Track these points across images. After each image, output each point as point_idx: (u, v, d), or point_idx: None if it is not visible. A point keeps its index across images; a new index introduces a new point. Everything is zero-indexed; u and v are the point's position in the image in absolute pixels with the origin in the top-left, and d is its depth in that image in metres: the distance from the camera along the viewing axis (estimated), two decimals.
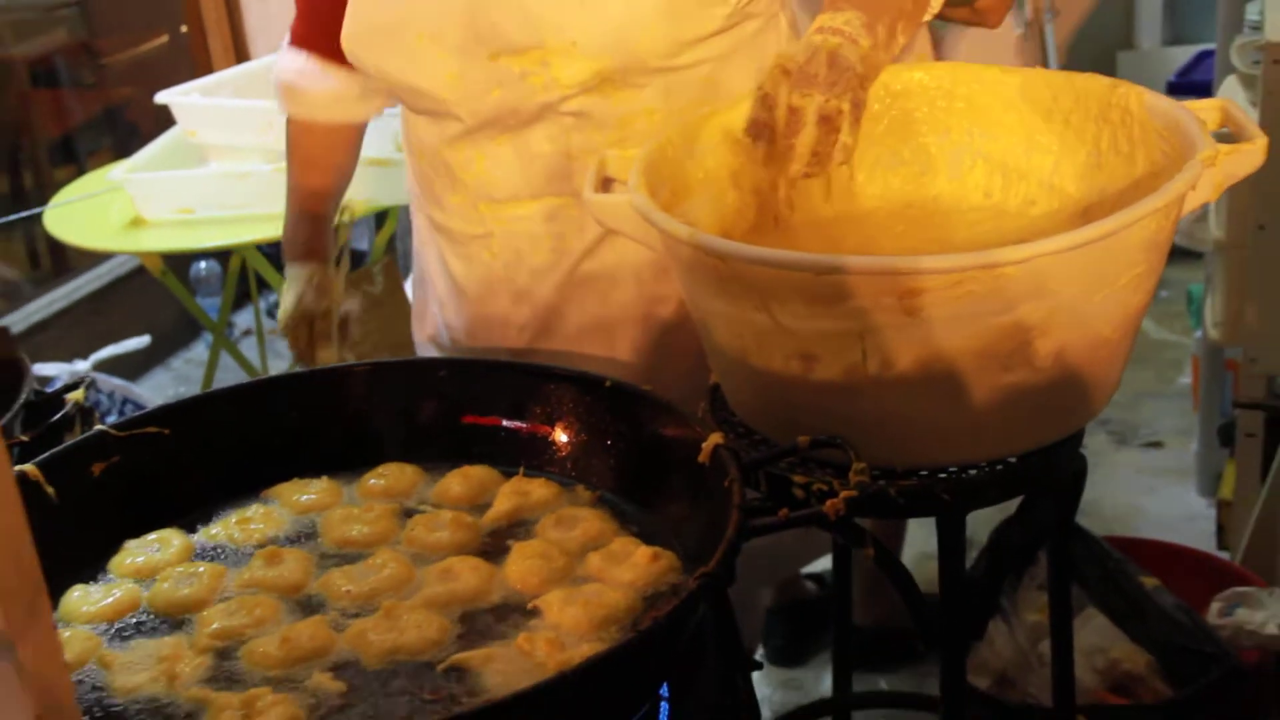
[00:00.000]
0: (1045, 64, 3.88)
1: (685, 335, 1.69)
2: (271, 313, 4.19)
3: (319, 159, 1.87)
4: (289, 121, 1.87)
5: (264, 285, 3.55)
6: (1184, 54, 4.37)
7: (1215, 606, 2.23)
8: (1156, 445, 3.32)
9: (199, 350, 4.21)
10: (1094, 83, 1.52)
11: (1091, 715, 2.07)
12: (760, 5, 1.66)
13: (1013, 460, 1.36)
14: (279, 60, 1.84)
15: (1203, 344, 3.08)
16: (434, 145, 1.72)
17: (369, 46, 1.65)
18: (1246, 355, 2.57)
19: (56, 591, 1.24)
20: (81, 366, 3.05)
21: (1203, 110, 1.42)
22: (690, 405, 1.37)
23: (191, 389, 3.92)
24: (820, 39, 1.35)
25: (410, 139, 1.80)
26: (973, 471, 1.35)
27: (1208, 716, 2.11)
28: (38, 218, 3.20)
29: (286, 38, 1.84)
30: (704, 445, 1.22)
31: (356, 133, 1.90)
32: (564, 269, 1.70)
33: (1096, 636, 2.18)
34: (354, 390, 1.44)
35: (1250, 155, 1.35)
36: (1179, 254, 2.17)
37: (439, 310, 1.83)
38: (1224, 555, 2.60)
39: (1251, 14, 3.01)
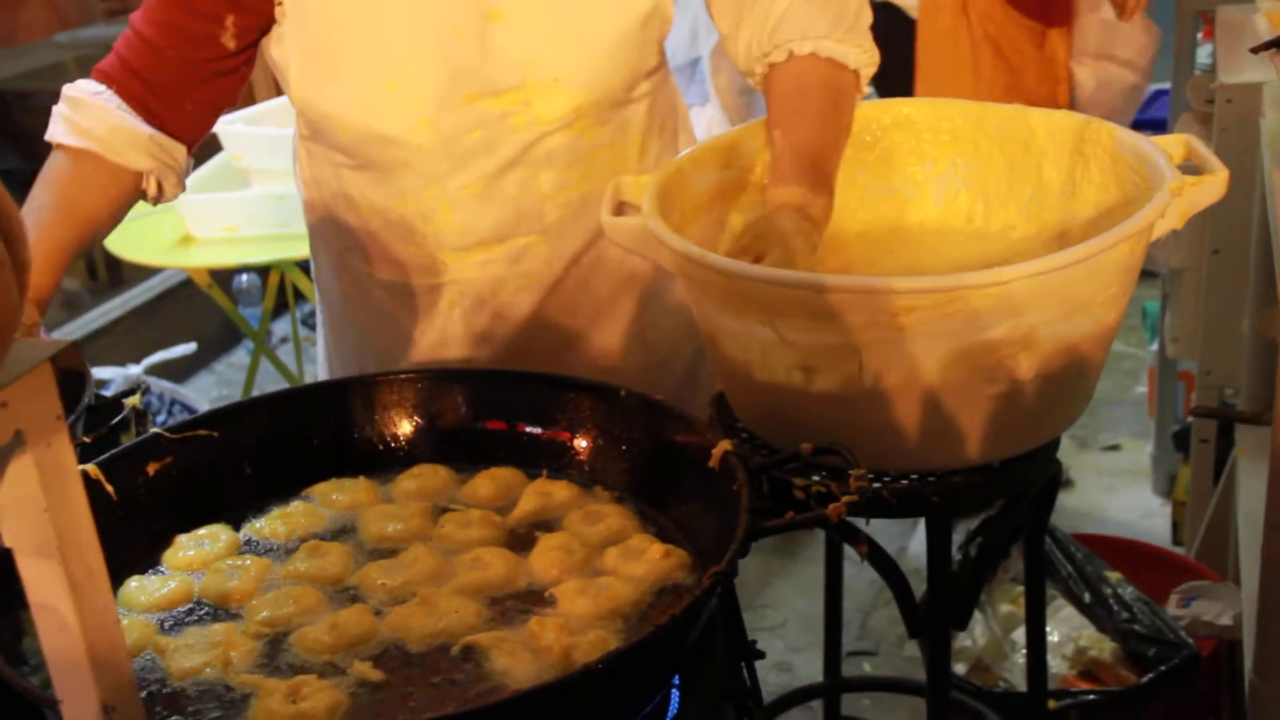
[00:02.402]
0: None
1: (655, 347, 1.68)
2: (307, 321, 4.19)
3: (75, 199, 1.48)
4: (57, 150, 1.51)
5: (300, 296, 3.55)
6: None
7: (1173, 599, 2.23)
8: (1115, 449, 3.32)
9: (240, 356, 4.21)
10: (1069, 119, 1.51)
11: (1061, 699, 2.06)
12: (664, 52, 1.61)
13: (996, 465, 1.35)
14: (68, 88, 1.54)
15: (1158, 356, 3.08)
16: (379, 203, 1.57)
17: (328, 97, 1.50)
18: (1201, 368, 2.57)
19: (114, 583, 1.22)
20: (134, 370, 3.05)
21: (1168, 145, 1.42)
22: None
23: (233, 391, 3.92)
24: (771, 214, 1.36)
25: (336, 200, 1.62)
26: (958, 476, 1.34)
27: (1168, 701, 2.11)
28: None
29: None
30: (714, 451, 1.20)
31: (130, 189, 1.53)
32: (528, 306, 1.61)
33: (1065, 626, 2.18)
34: (387, 397, 1.42)
35: (1213, 186, 1.34)
36: None
37: (376, 359, 1.69)
38: (1179, 550, 2.60)
39: (1202, 57, 3.02)
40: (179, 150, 1.54)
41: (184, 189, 1.58)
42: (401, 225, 1.57)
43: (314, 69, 1.50)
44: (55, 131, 1.50)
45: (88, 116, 1.49)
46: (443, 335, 1.62)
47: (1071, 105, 2.75)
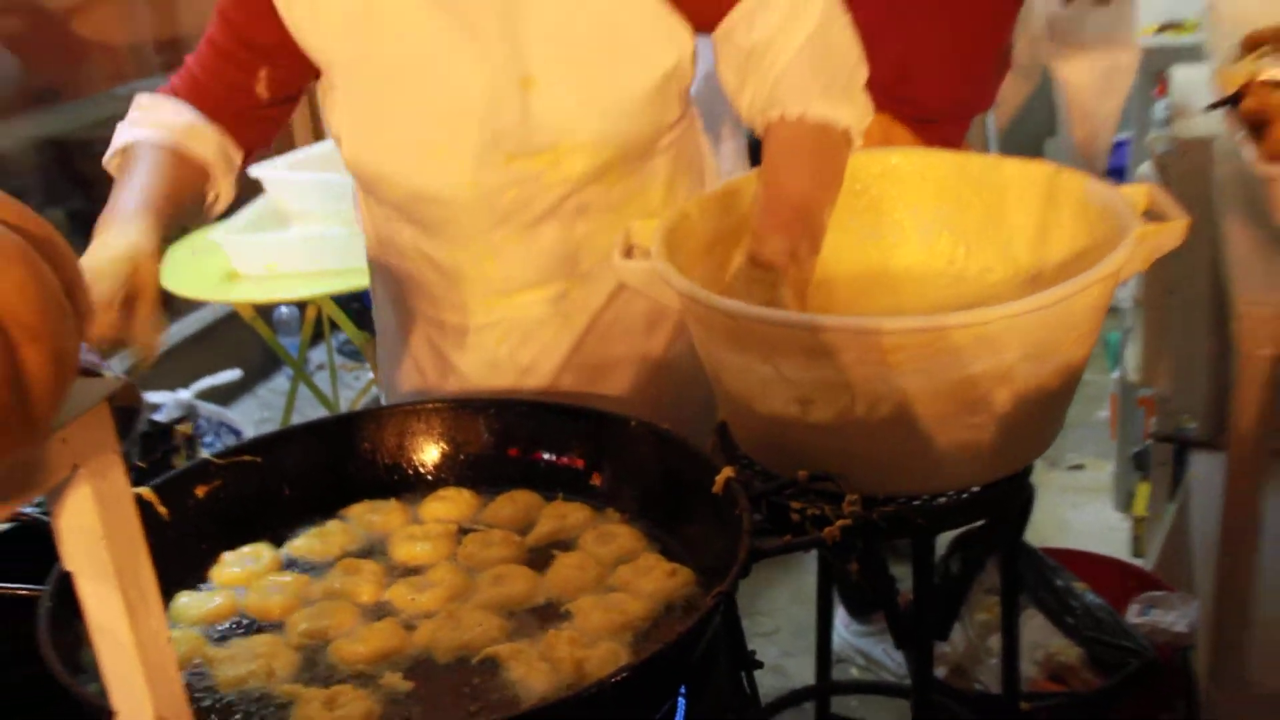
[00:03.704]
0: (987, 147, 3.87)
1: (679, 376, 1.65)
2: (341, 349, 4.19)
3: (167, 178, 1.41)
4: (130, 149, 1.45)
5: (335, 327, 3.54)
6: None
7: (1133, 608, 2.22)
8: (1079, 468, 3.30)
9: (280, 382, 4.20)
10: (1042, 169, 1.50)
11: (1032, 701, 2.04)
12: (689, 101, 1.60)
13: (976, 490, 1.34)
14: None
15: (1120, 383, 3.07)
16: (430, 253, 1.57)
17: (378, 160, 1.51)
18: (1160, 396, 2.56)
19: (166, 597, 1.21)
20: (185, 395, 3.03)
21: (1133, 194, 1.41)
22: (692, 437, 1.33)
23: (274, 414, 3.90)
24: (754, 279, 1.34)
25: (391, 247, 1.62)
26: (942, 499, 1.32)
27: (1129, 703, 2.09)
28: None
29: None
30: (718, 478, 1.19)
31: (199, 182, 1.48)
32: (569, 342, 1.61)
33: (1036, 633, 2.16)
34: (416, 426, 1.41)
35: (1174, 232, 1.33)
36: None
37: (427, 387, 1.69)
38: (1139, 563, 2.58)
39: (1159, 111, 3.02)
40: (237, 155, 1.53)
41: (231, 199, 1.55)
42: (451, 271, 1.58)
43: (364, 134, 1.50)
44: (125, 135, 1.46)
45: (163, 112, 1.48)
46: (492, 368, 1.62)
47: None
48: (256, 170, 3.11)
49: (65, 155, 4.31)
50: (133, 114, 1.49)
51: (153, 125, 1.45)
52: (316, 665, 1.14)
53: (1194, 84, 2.58)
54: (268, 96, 1.51)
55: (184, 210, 1.45)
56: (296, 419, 3.57)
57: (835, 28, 1.47)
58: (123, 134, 1.47)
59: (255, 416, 3.97)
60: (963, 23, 2.29)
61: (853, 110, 1.47)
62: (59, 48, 4.14)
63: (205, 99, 1.50)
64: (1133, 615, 2.20)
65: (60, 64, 4.16)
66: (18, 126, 3.95)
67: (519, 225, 1.52)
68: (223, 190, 1.51)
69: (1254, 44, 2.31)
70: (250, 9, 1.46)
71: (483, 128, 1.45)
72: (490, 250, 1.54)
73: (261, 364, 4.24)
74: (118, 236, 1.29)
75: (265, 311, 3.56)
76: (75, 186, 4.39)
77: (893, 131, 2.36)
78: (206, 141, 1.48)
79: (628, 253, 1.42)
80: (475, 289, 1.58)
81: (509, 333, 1.60)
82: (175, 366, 3.82)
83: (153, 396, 2.98)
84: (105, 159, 1.48)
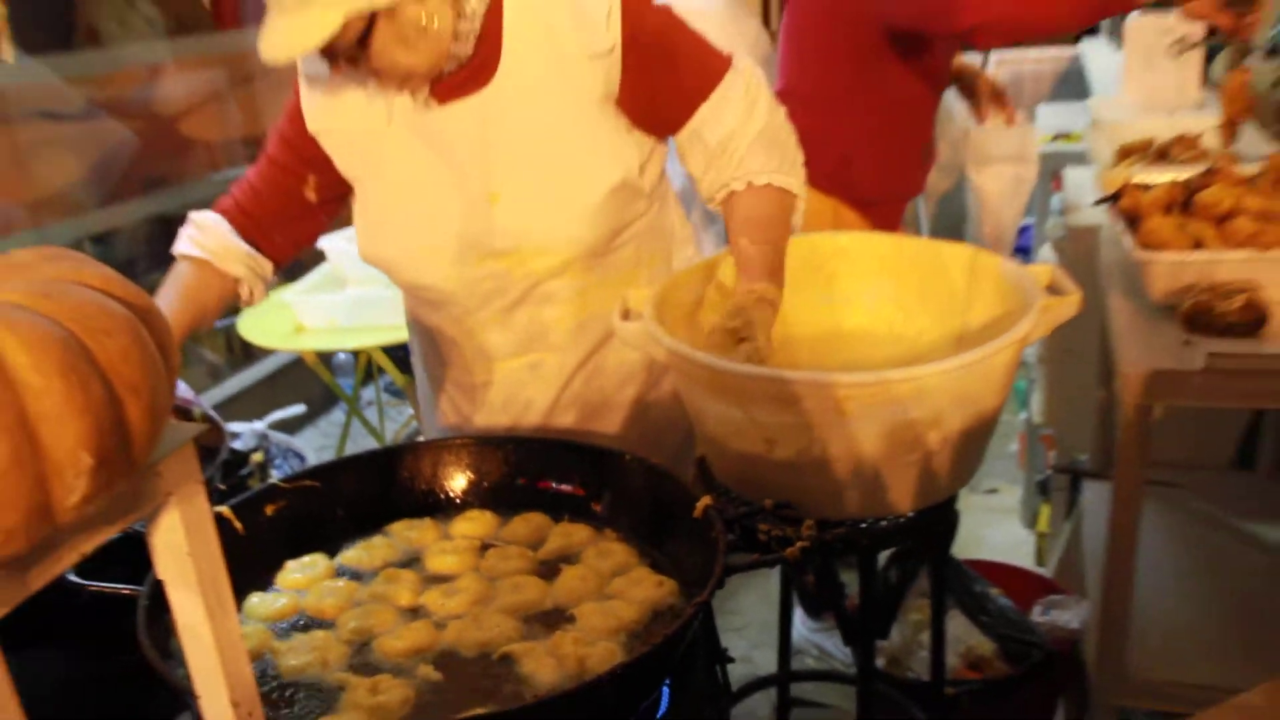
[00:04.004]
0: (920, 227, 3.88)
1: (662, 418, 1.63)
2: (388, 389, 4.16)
3: (193, 294, 1.48)
4: (180, 259, 1.50)
5: (382, 371, 3.52)
6: None
7: (1037, 609, 2.20)
8: (994, 492, 3.28)
9: (337, 415, 4.17)
10: (966, 250, 1.50)
11: (955, 686, 2.01)
12: (658, 190, 1.56)
13: (911, 515, 1.32)
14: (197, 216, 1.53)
15: (1026, 423, 3.06)
16: (438, 324, 1.58)
17: (383, 257, 1.51)
18: (1058, 435, 2.55)
19: (239, 598, 1.19)
20: (259, 425, 3.00)
21: (1038, 272, 1.40)
22: (675, 469, 1.31)
23: (332, 442, 3.87)
24: (746, 302, 1.33)
25: (415, 316, 1.65)
26: (883, 523, 1.31)
27: (1033, 687, 2.07)
28: (234, 324, 3.18)
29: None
30: (698, 505, 1.17)
31: (230, 291, 1.52)
32: (550, 398, 1.58)
33: (958, 630, 2.13)
34: (447, 458, 1.39)
35: (1071, 304, 1.33)
36: None
37: (452, 426, 1.68)
38: (1041, 571, 2.56)
39: (1055, 203, 3.04)
40: (267, 267, 1.54)
41: (267, 296, 1.58)
42: (455, 340, 1.57)
43: (372, 234, 1.51)
44: (180, 246, 1.50)
45: (205, 235, 1.49)
46: (492, 417, 1.61)
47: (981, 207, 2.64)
48: (322, 242, 3.11)
49: (169, 229, 4.29)
50: (188, 229, 1.51)
51: (199, 246, 1.49)
52: (363, 657, 1.12)
53: (1082, 183, 2.60)
54: (315, 199, 1.52)
55: (207, 312, 1.49)
56: (350, 446, 3.54)
57: (778, 120, 1.49)
58: (179, 243, 1.50)
59: (316, 444, 3.94)
60: (890, 122, 2.32)
61: (799, 181, 1.48)
62: (168, 142, 4.16)
63: (263, 204, 1.51)
64: (1036, 615, 2.17)
65: (168, 155, 4.18)
66: (133, 207, 3.99)
67: (498, 309, 1.52)
68: (255, 291, 1.54)
69: (1126, 154, 2.34)
70: (298, 127, 1.48)
71: (460, 235, 1.45)
72: (479, 326, 1.54)
73: (322, 401, 4.22)
74: None
75: (325, 358, 3.54)
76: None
77: (841, 212, 2.37)
78: (236, 260, 1.50)
79: (625, 315, 1.41)
80: (473, 354, 1.58)
81: (499, 390, 1.59)
82: (251, 402, 3.81)
83: (233, 427, 2.96)
84: (174, 249, 1.52)
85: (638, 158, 1.46)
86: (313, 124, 1.46)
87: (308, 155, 1.48)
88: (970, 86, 2.37)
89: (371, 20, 1.27)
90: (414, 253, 1.48)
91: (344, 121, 1.45)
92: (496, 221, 1.44)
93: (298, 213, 1.53)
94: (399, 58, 1.31)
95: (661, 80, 1.42)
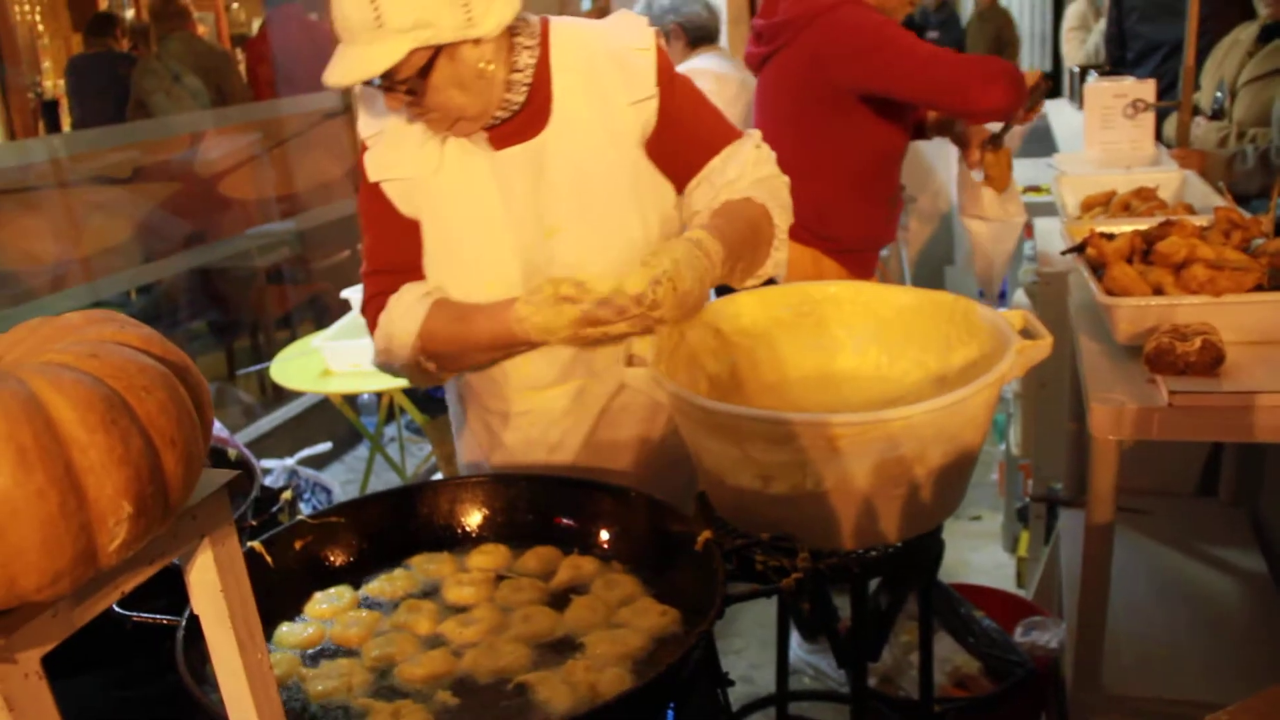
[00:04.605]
0: (904, 271, 3.89)
1: (669, 456, 1.61)
2: (409, 427, 4.15)
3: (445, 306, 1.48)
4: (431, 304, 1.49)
5: (403, 411, 3.50)
6: None
7: (1018, 629, 2.17)
8: (977, 519, 3.25)
9: (361, 451, 4.15)
10: (944, 297, 1.49)
11: (943, 704, 1.98)
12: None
13: (900, 544, 1.30)
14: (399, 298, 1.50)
15: (1006, 454, 3.04)
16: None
17: (449, 284, 1.48)
18: (1035, 465, 2.54)
19: (269, 627, 1.18)
20: (289, 461, 2.99)
21: (1012, 317, 1.40)
22: (678, 504, 1.30)
23: (357, 476, 3.86)
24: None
25: None
26: (873, 552, 1.29)
27: (1016, 703, 2.04)
28: (266, 369, 3.18)
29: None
30: (699, 538, 1.15)
31: None
32: (586, 428, 1.57)
33: (945, 650, 2.10)
34: (464, 495, 1.38)
35: (1043, 347, 1.32)
36: None
37: (479, 453, 1.65)
38: (1021, 593, 2.53)
39: (1027, 250, 3.04)
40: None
41: None
42: (497, 371, 1.56)
43: (438, 263, 1.49)
44: (415, 309, 1.48)
45: (406, 294, 1.48)
46: (528, 445, 1.58)
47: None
48: (346, 292, 3.12)
49: (209, 281, 4.34)
50: (397, 309, 1.47)
51: (424, 292, 1.47)
52: (385, 683, 1.10)
53: (1051, 232, 2.61)
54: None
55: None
56: (374, 480, 3.53)
57: (781, 181, 1.53)
58: (412, 313, 1.46)
59: (342, 479, 3.92)
60: (862, 176, 2.38)
61: (785, 220, 1.50)
62: (207, 202, 4.20)
63: (402, 254, 1.49)
64: (1017, 635, 2.15)
65: (207, 214, 4.21)
66: (176, 262, 4.03)
67: None
68: None
69: (1089, 206, 2.35)
70: (369, 187, 1.48)
71: (521, 265, 1.45)
72: (526, 356, 1.52)
73: (347, 438, 4.20)
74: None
75: (350, 399, 3.54)
76: (214, 304, 4.42)
77: (822, 262, 2.41)
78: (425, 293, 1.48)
79: (629, 361, 1.40)
80: (515, 385, 1.56)
81: (540, 419, 1.57)
82: (282, 440, 3.80)
83: (265, 463, 2.95)
84: (381, 355, 1.53)
85: (671, 197, 1.51)
86: (373, 175, 1.48)
87: (386, 203, 1.49)
88: (962, 135, 2.41)
89: (434, 58, 1.31)
90: (477, 283, 1.47)
91: (399, 171, 1.47)
92: (556, 253, 1.45)
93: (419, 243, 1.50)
94: (453, 96, 1.34)
95: (685, 130, 1.48)
